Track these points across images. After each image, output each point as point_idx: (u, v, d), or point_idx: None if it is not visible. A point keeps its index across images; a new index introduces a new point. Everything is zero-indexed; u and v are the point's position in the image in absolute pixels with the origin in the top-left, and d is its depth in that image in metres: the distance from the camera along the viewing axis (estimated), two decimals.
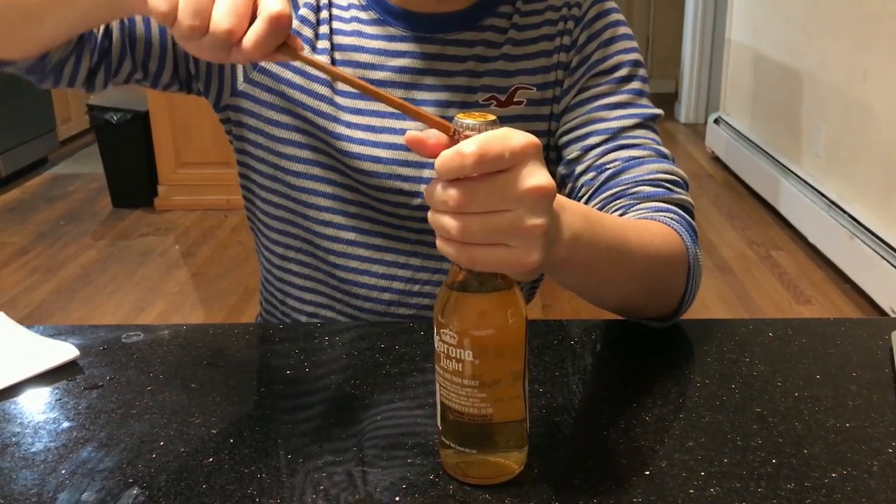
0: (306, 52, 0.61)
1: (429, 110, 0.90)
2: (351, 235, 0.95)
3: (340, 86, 0.91)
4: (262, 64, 0.91)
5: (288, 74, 0.91)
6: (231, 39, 0.59)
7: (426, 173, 0.92)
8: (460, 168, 0.53)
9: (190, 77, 0.94)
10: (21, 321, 0.86)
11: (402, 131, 0.91)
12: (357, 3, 0.92)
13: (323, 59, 0.91)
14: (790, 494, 0.60)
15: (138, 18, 0.88)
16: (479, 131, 0.54)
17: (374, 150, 0.91)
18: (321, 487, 0.62)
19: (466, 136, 0.54)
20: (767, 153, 3.91)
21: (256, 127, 0.94)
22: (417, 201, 0.92)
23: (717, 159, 4.67)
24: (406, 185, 0.92)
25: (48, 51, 0.83)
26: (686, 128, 5.47)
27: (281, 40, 0.60)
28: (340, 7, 0.92)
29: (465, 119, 0.54)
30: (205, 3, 0.58)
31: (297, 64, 0.90)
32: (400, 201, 0.93)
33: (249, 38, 0.58)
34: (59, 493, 0.62)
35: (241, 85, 0.93)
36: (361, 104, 0.91)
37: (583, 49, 0.93)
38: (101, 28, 0.87)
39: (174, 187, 3.93)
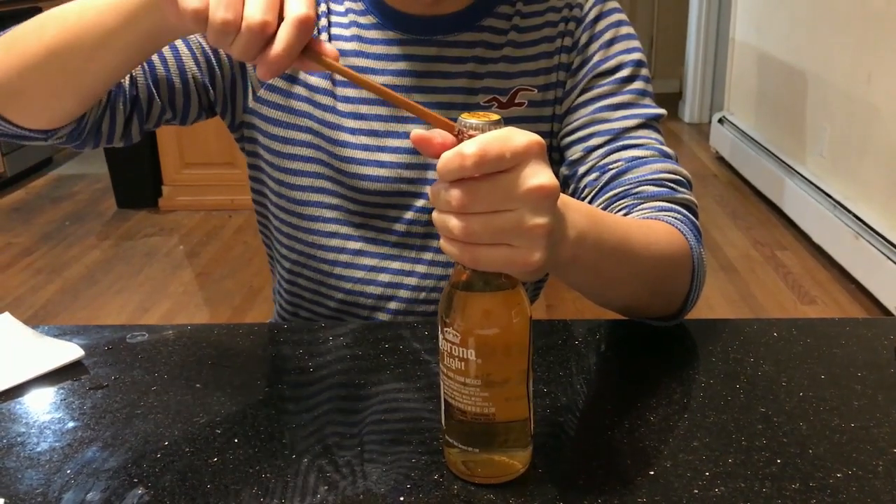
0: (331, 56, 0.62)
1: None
2: (356, 245, 0.95)
3: (341, 92, 0.91)
4: (270, 81, 0.91)
5: (296, 89, 0.92)
6: (266, 33, 0.59)
7: (430, 174, 0.92)
8: (461, 168, 0.53)
9: (210, 104, 0.95)
10: (26, 321, 0.86)
11: (405, 135, 0.91)
12: (355, 8, 0.92)
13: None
14: (795, 494, 0.60)
15: (156, 61, 0.89)
16: (483, 131, 0.54)
17: (378, 155, 0.91)
18: (325, 487, 0.62)
19: (470, 136, 0.54)
20: (772, 153, 3.90)
21: (265, 144, 0.95)
22: (421, 202, 0.92)
23: (721, 159, 4.66)
24: (410, 188, 0.92)
25: (89, 107, 0.82)
26: (690, 127, 5.46)
27: (305, 43, 0.60)
28: (339, 13, 0.93)
29: (469, 119, 0.54)
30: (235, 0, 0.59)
31: (320, 72, 0.90)
32: (404, 204, 0.93)
33: (279, 42, 0.59)
34: (65, 493, 0.62)
35: (251, 103, 0.94)
36: (364, 109, 0.91)
37: (584, 50, 0.93)
38: (127, 78, 0.88)
39: (178, 188, 3.94)
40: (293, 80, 0.92)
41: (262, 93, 0.93)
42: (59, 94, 0.78)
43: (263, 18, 0.58)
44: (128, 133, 0.90)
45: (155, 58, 0.89)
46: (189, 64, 0.91)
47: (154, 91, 0.90)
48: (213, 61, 0.92)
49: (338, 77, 0.91)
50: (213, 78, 0.92)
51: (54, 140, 0.85)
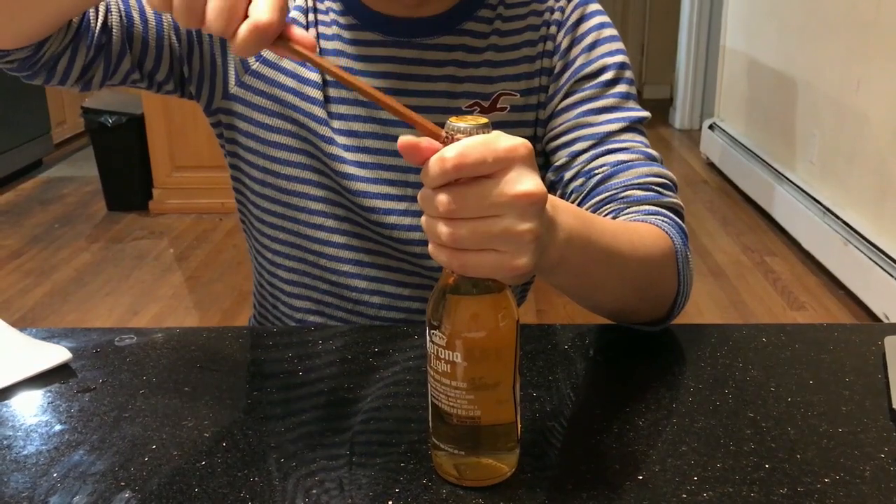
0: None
1: None
2: (341, 239, 0.94)
3: (332, 91, 0.91)
4: (255, 67, 0.91)
5: (282, 78, 0.91)
6: (227, 32, 0.57)
7: (411, 177, 0.92)
8: (442, 173, 0.53)
9: (184, 79, 0.94)
10: (14, 324, 0.86)
11: (384, 136, 0.91)
12: (335, 7, 0.92)
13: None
14: (783, 499, 0.60)
15: (136, 16, 0.88)
16: (470, 135, 0.54)
17: (358, 155, 0.91)
18: (313, 491, 0.62)
19: (458, 140, 0.54)
20: (762, 159, 3.92)
21: (248, 131, 0.93)
22: (403, 205, 0.92)
23: (711, 165, 4.68)
24: (391, 190, 0.92)
25: (41, 37, 0.80)
26: (681, 133, 5.48)
27: (262, 48, 0.58)
28: (321, 12, 0.92)
29: (456, 122, 0.54)
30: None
31: (293, 60, 0.89)
32: (385, 208, 0.92)
33: (235, 42, 0.57)
34: (51, 497, 0.61)
35: (234, 88, 0.92)
36: (343, 109, 0.91)
37: (567, 54, 0.93)
38: (99, 23, 0.85)
39: (169, 191, 3.93)
40: (280, 68, 0.91)
41: (246, 78, 0.91)
42: (13, 15, 0.75)
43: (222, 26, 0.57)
44: (85, 79, 0.88)
45: (136, 16, 0.87)
46: (168, 32, 0.89)
47: (127, 47, 0.88)
48: (194, 37, 0.90)
49: (329, 77, 0.90)
50: (192, 54, 0.91)
51: (5, 63, 0.82)
